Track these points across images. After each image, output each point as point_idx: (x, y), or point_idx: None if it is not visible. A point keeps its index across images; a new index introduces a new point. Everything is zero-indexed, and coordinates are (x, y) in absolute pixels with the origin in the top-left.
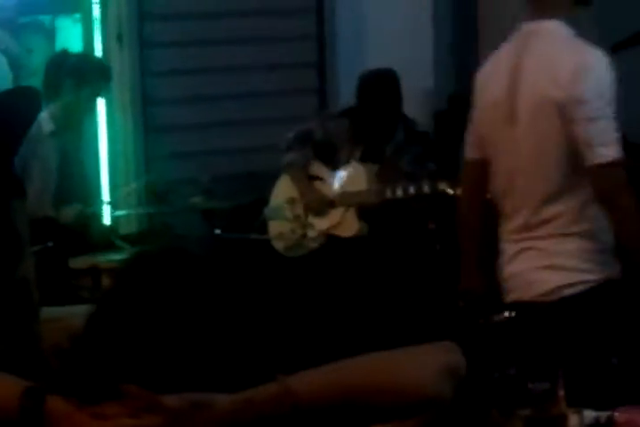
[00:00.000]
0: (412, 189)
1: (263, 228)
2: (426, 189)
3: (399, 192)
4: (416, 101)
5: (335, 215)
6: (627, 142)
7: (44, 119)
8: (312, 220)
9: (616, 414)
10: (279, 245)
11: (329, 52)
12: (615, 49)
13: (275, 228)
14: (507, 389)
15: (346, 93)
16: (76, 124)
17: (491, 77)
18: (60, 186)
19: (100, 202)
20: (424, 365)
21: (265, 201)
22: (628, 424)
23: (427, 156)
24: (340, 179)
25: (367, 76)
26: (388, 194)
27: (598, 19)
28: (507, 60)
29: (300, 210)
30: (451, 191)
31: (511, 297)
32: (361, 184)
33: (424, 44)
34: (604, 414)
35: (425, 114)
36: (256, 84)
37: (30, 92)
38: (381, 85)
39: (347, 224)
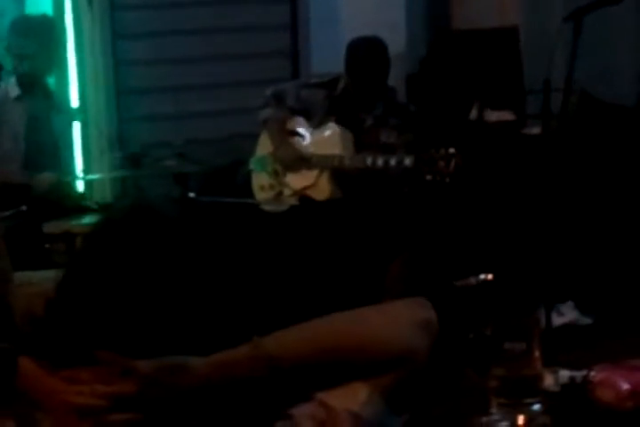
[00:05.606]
0: (392, 162)
1: (241, 189)
2: (407, 162)
3: (379, 162)
4: None
5: (310, 176)
6: (591, 98)
7: (11, 85)
8: (288, 178)
9: (592, 373)
10: (260, 196)
11: (302, 14)
12: (579, 13)
13: (257, 180)
14: (482, 349)
15: (318, 56)
16: (31, 88)
17: None
18: (29, 152)
19: (73, 167)
20: (396, 320)
21: (238, 164)
22: (603, 383)
23: (405, 127)
24: (315, 137)
25: (357, 44)
26: (368, 163)
27: None
28: None
29: (278, 165)
30: (429, 177)
31: None
32: (335, 146)
33: (396, 6)
34: (579, 374)
35: (397, 77)
36: (229, 46)
37: None
38: (372, 53)
39: (321, 187)
